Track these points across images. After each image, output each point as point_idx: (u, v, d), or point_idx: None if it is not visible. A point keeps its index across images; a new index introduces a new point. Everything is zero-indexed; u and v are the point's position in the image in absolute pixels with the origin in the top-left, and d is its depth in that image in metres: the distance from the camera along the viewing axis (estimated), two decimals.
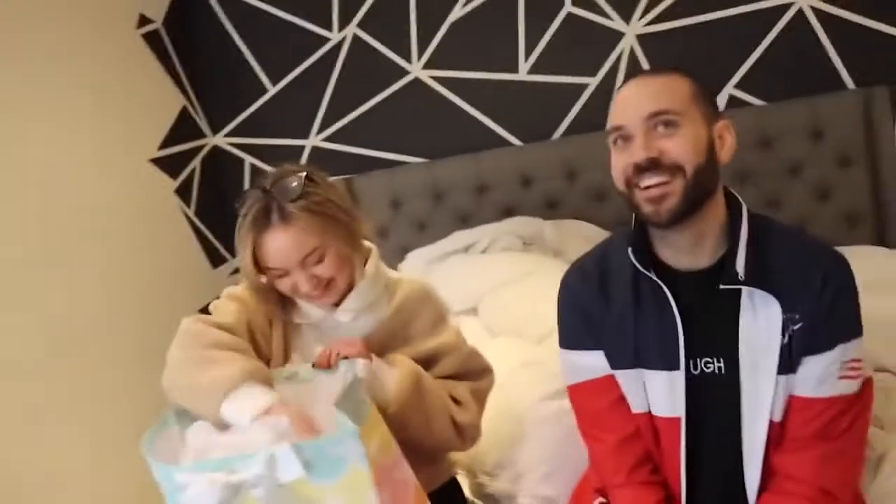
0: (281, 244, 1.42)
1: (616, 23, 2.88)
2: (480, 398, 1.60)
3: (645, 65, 2.87)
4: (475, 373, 1.62)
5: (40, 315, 2.64)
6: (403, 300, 1.59)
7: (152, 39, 3.34)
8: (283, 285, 1.48)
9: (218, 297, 1.61)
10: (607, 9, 2.88)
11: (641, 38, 2.86)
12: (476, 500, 1.75)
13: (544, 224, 2.88)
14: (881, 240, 2.61)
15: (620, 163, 1.27)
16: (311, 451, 1.14)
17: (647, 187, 1.24)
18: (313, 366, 1.43)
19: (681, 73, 1.28)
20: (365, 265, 1.58)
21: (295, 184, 1.44)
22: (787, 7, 2.68)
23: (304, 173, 1.47)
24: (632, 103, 1.26)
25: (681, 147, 1.22)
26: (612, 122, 1.29)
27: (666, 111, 1.22)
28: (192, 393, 1.35)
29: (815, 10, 2.64)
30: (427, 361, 1.56)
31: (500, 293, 2.45)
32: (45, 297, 2.66)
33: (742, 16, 2.74)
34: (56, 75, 2.82)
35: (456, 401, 1.54)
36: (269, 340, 1.57)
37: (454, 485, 1.72)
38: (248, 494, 1.15)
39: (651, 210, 1.25)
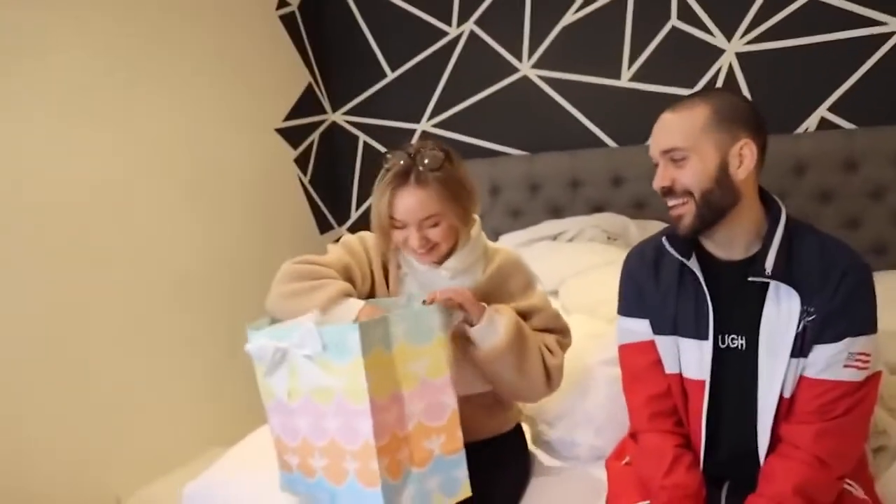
0: (410, 201, 1.65)
1: (717, 39, 3.03)
2: (563, 350, 1.82)
3: (741, 80, 3.01)
4: (559, 331, 1.83)
5: (165, 266, 2.96)
6: (499, 265, 1.81)
7: (288, 21, 3.65)
8: (398, 236, 1.71)
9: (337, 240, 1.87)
10: (710, 25, 3.03)
11: (741, 56, 3.00)
12: (535, 447, 1.97)
13: (630, 222, 3.05)
14: None
15: (654, 183, 1.52)
16: (328, 335, 1.46)
17: (671, 207, 1.49)
18: (423, 302, 1.64)
19: (705, 100, 1.46)
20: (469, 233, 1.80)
21: (437, 156, 1.67)
22: (889, 36, 2.79)
23: (446, 151, 1.70)
24: (655, 138, 1.50)
25: (688, 177, 1.44)
26: (650, 149, 1.53)
27: (674, 149, 1.45)
28: (298, 310, 1.62)
29: None
30: (522, 316, 1.77)
31: (581, 277, 2.64)
32: (170, 246, 2.98)
33: (842, 41, 2.85)
34: (201, 46, 3.13)
35: (547, 348, 1.76)
36: (368, 284, 1.80)
37: (519, 430, 1.94)
38: (292, 360, 1.52)
39: (675, 225, 1.51)
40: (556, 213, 3.34)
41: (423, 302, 1.61)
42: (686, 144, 1.43)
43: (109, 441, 2.68)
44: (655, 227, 3.03)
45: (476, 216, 1.82)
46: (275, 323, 1.67)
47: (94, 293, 2.65)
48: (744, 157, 1.44)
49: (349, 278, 1.74)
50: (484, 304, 1.69)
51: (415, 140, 3.73)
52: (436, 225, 1.68)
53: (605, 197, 3.25)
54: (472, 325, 1.66)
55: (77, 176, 2.59)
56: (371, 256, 1.81)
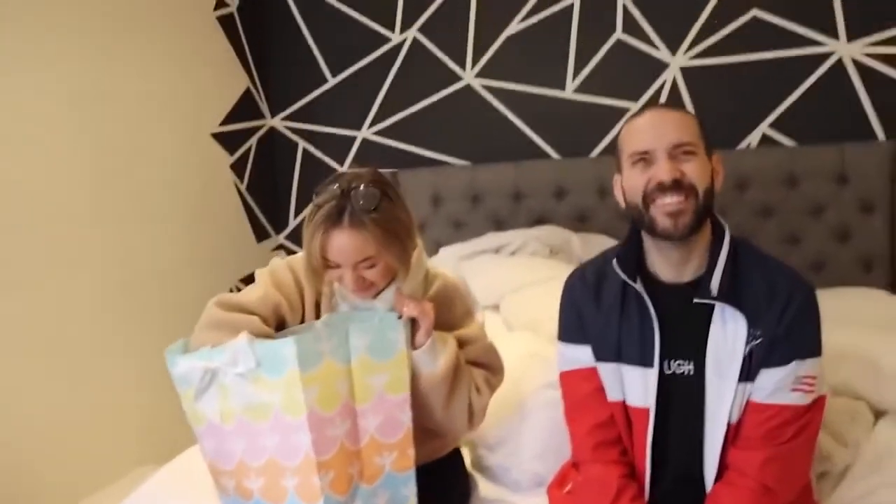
0: (344, 244, 1.52)
1: (662, 53, 3.02)
2: (491, 390, 1.74)
3: (685, 94, 3.01)
4: (491, 366, 1.75)
5: (95, 273, 2.83)
6: (439, 292, 1.71)
7: (226, 22, 3.54)
8: (331, 274, 1.60)
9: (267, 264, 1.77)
10: (655, 39, 3.02)
11: (685, 70, 3.00)
12: (474, 472, 1.91)
13: (573, 235, 3.01)
14: (894, 286, 2.73)
15: (641, 181, 1.44)
16: (261, 350, 1.43)
17: (669, 203, 1.41)
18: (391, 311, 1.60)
19: (685, 111, 1.50)
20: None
21: (372, 195, 1.53)
22: (828, 56, 2.81)
23: (382, 189, 1.56)
24: (657, 131, 1.43)
25: (696, 172, 1.41)
26: (635, 146, 1.45)
27: (687, 143, 1.41)
28: None
29: (855, 62, 2.77)
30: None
31: (523, 293, 2.59)
32: (99, 253, 2.86)
33: (784, 59, 2.86)
34: (135, 45, 3.01)
35: (476, 387, 1.68)
36: (299, 314, 1.70)
37: (457, 454, 1.87)
38: (222, 381, 1.47)
39: (669, 223, 1.41)
40: (499, 224, 3.30)
41: (392, 312, 1.57)
42: (695, 141, 1.42)
43: (31, 460, 2.55)
44: (598, 240, 3.02)
45: (418, 241, 1.72)
46: (186, 347, 1.60)
47: (22, 308, 2.52)
48: (717, 171, 1.46)
49: (279, 317, 1.65)
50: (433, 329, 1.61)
51: (355, 147, 3.65)
52: (372, 266, 1.56)
53: (548, 209, 3.21)
54: (414, 348, 1.58)
55: (7, 181, 2.47)
56: (302, 285, 1.71)
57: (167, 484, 1.98)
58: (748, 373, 1.41)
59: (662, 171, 1.40)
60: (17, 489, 2.48)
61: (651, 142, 1.42)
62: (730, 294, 1.41)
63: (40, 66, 2.59)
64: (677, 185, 1.39)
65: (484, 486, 1.87)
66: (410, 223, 1.64)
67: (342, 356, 1.47)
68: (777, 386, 1.40)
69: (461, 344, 1.69)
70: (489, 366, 1.75)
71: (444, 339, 1.63)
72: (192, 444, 2.12)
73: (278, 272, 1.71)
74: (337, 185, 1.55)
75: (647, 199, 1.43)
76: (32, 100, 2.57)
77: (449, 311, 1.71)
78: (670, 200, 1.40)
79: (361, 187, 1.53)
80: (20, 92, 2.52)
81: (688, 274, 1.47)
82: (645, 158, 1.43)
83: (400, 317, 1.54)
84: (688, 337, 1.45)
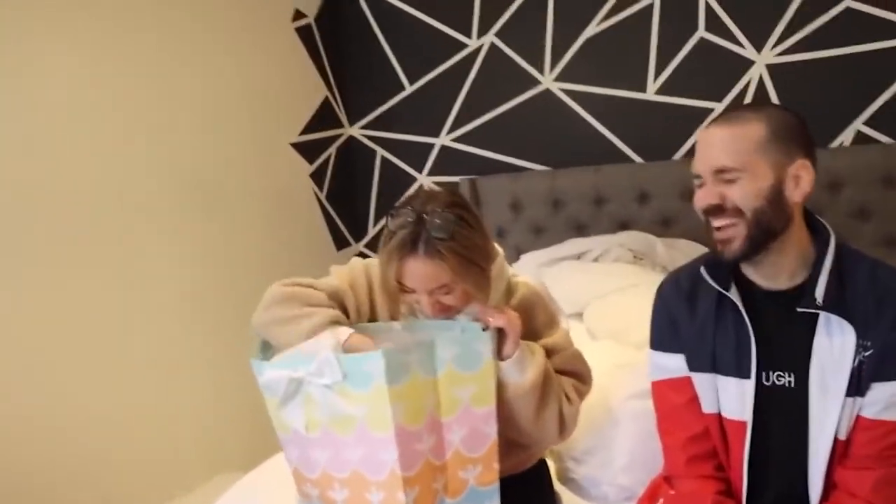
0: (419, 272, 1.48)
1: (747, 51, 2.92)
2: (581, 397, 1.69)
3: (772, 93, 2.90)
4: (579, 374, 1.71)
5: (178, 282, 2.90)
6: (521, 301, 1.67)
7: (304, 33, 3.58)
8: (409, 298, 1.57)
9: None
10: (740, 36, 2.92)
11: (771, 68, 2.89)
12: (559, 485, 1.87)
13: (656, 241, 2.93)
14: None
15: (696, 200, 1.41)
16: (348, 363, 1.40)
17: (718, 228, 1.37)
18: (475, 321, 1.55)
19: (759, 116, 1.36)
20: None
21: (448, 221, 1.47)
22: None
23: (458, 214, 1.50)
24: (704, 153, 1.38)
25: (740, 195, 1.33)
26: (693, 165, 1.42)
27: (728, 169, 1.34)
28: (282, 337, 1.57)
29: None
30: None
31: (607, 301, 2.53)
32: (183, 262, 2.92)
33: (879, 52, 2.73)
34: (215, 58, 3.08)
35: (566, 395, 1.64)
36: (367, 314, 1.69)
37: (542, 466, 1.83)
38: (307, 390, 1.45)
39: (720, 250, 1.39)
40: (580, 230, 3.24)
41: (476, 322, 1.53)
42: (739, 164, 1.32)
43: (113, 465, 2.62)
44: (683, 245, 2.94)
45: (499, 250, 1.69)
46: (266, 346, 1.61)
47: (104, 309, 2.59)
48: (800, 178, 1.35)
49: (340, 304, 1.63)
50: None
51: (433, 155, 3.65)
52: (449, 293, 1.51)
53: (631, 214, 3.14)
54: (501, 359, 1.54)
55: (91, 189, 2.54)
56: (375, 293, 1.69)
57: (251, 490, 2.00)
58: (857, 387, 1.32)
59: (700, 197, 1.38)
60: (99, 494, 2.54)
61: (697, 164, 1.40)
62: (836, 302, 1.33)
63: (122, 74, 2.67)
64: (720, 210, 1.35)
65: (570, 500, 1.83)
66: (488, 247, 1.58)
67: (429, 368, 1.44)
68: (890, 401, 1.31)
69: (548, 353, 1.65)
70: (577, 374, 1.70)
71: (532, 349, 1.59)
72: (276, 450, 2.14)
73: (355, 272, 1.70)
74: (411, 208, 1.50)
75: (705, 218, 1.40)
76: (113, 108, 2.64)
77: (533, 320, 1.68)
78: (717, 224, 1.37)
79: (437, 212, 1.48)
80: (106, 100, 2.60)
81: (783, 281, 1.41)
82: (698, 179, 1.40)
83: (486, 328, 1.50)
84: (789, 347, 1.38)
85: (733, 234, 1.35)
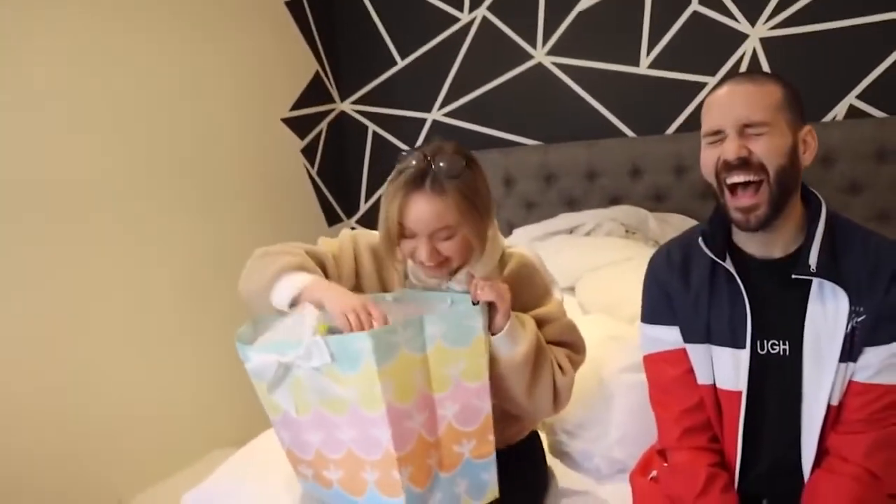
0: (423, 209, 1.49)
1: (741, 24, 2.91)
2: (575, 368, 1.68)
3: (765, 66, 2.89)
4: (573, 345, 1.69)
5: (168, 260, 2.88)
6: (514, 271, 1.66)
7: (295, 7, 3.54)
8: (406, 246, 1.56)
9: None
10: (733, 9, 2.91)
11: (765, 42, 2.88)
12: (552, 457, 1.87)
13: (649, 215, 2.94)
14: None
15: (712, 158, 1.38)
16: (335, 345, 1.37)
17: (735, 189, 1.35)
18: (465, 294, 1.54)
19: (774, 80, 1.37)
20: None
21: (457, 161, 1.51)
22: None
23: (466, 159, 1.54)
24: (727, 108, 1.36)
25: (766, 150, 1.32)
26: (708, 124, 1.39)
27: (756, 122, 1.33)
28: (253, 288, 1.59)
29: None
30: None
31: (599, 274, 2.53)
32: (173, 239, 2.90)
33: (872, 25, 2.72)
34: (205, 33, 3.04)
35: (559, 366, 1.62)
36: (351, 282, 1.68)
37: (534, 439, 1.82)
38: (296, 374, 1.43)
39: (741, 218, 1.36)
40: (572, 205, 3.24)
41: (466, 293, 1.52)
42: (766, 118, 1.32)
43: (111, 441, 2.61)
44: (675, 220, 2.95)
45: (494, 220, 1.69)
46: (257, 324, 1.59)
47: (95, 289, 2.57)
48: (808, 143, 1.37)
49: (319, 265, 1.63)
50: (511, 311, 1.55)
51: (425, 130, 3.63)
52: (449, 238, 1.52)
53: (623, 189, 3.14)
54: (492, 333, 1.53)
55: (77, 168, 2.51)
56: (362, 259, 1.69)
57: (244, 466, 2.00)
58: (850, 352, 1.33)
59: (728, 149, 1.34)
60: (96, 470, 2.55)
61: (720, 119, 1.37)
62: (829, 269, 1.33)
63: (110, 52, 2.63)
64: (744, 164, 1.33)
65: (563, 472, 1.83)
66: (490, 199, 1.60)
67: (418, 346, 1.42)
68: (882, 365, 1.31)
69: (540, 323, 1.64)
70: (570, 344, 1.69)
71: (523, 321, 1.58)
72: (268, 426, 2.15)
73: (342, 242, 1.71)
74: (420, 151, 1.53)
75: (718, 177, 1.38)
76: (103, 86, 2.60)
77: (526, 291, 1.66)
78: (736, 179, 1.34)
79: (445, 155, 1.51)
80: (90, 79, 2.56)
81: (778, 250, 1.40)
82: (717, 136, 1.38)
83: (476, 302, 1.49)
84: (782, 315, 1.38)
85: (758, 200, 1.34)
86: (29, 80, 2.37)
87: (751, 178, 1.33)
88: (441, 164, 1.49)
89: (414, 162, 1.51)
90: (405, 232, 1.53)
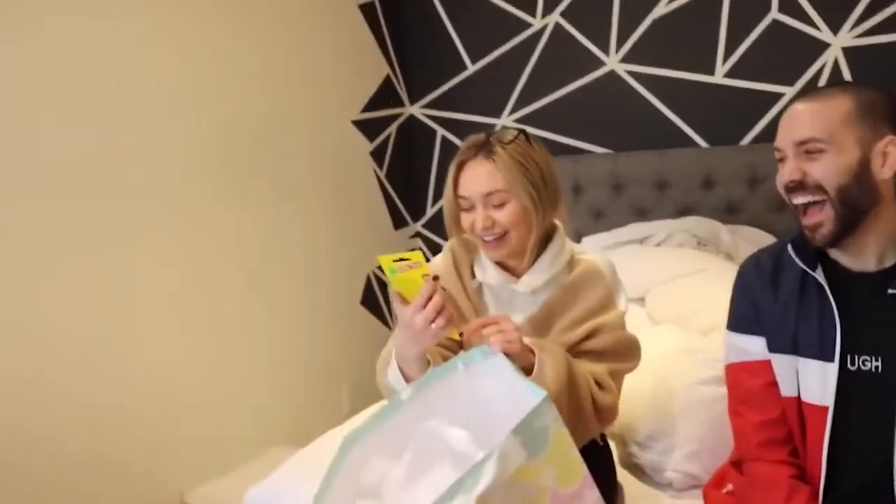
0: (474, 173, 1.56)
1: (823, 33, 2.83)
2: (618, 378, 1.63)
3: (847, 77, 2.81)
4: (622, 354, 1.64)
5: (237, 258, 2.92)
6: (575, 278, 1.64)
7: (368, 11, 3.58)
8: (465, 220, 1.60)
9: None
10: (815, 18, 2.84)
11: (847, 51, 2.81)
12: (623, 469, 1.83)
13: (721, 227, 2.88)
14: None
15: (778, 178, 1.38)
16: (524, 430, 1.16)
17: (804, 212, 1.34)
18: (460, 334, 1.46)
19: (845, 92, 1.32)
20: (549, 242, 1.66)
21: (511, 132, 1.59)
22: None
23: (525, 134, 1.61)
24: (787, 129, 1.35)
25: (825, 171, 1.29)
26: (775, 142, 1.38)
27: (811, 139, 1.30)
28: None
29: None
30: (585, 336, 1.61)
31: (671, 285, 2.49)
32: (241, 236, 2.94)
33: None
34: (280, 34, 3.08)
35: (598, 383, 1.58)
36: (456, 306, 1.67)
37: (599, 448, 1.72)
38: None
39: (809, 235, 1.35)
40: (641, 214, 3.19)
41: (460, 335, 1.45)
42: (824, 135, 1.29)
43: (175, 434, 2.66)
44: (748, 232, 2.89)
45: (558, 223, 1.68)
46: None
47: (166, 286, 2.62)
48: (888, 154, 1.30)
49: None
50: (529, 344, 1.48)
51: None
52: (502, 204, 1.55)
53: (694, 200, 3.08)
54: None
55: (153, 169, 2.57)
56: (460, 264, 1.72)
57: (307, 465, 2.00)
58: None
59: (784, 172, 1.35)
60: (155, 463, 2.59)
61: (780, 139, 1.37)
62: None
63: (182, 53, 2.67)
64: (801, 186, 1.32)
65: (633, 484, 1.81)
66: (553, 176, 1.62)
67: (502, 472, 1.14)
68: None
69: (593, 333, 1.61)
70: (621, 355, 1.63)
71: (545, 358, 1.49)
72: (328, 427, 2.16)
73: (442, 257, 1.76)
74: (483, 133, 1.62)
75: (786, 196, 1.37)
76: (178, 87, 2.65)
77: (585, 297, 1.63)
78: (798, 201, 1.34)
79: (504, 130, 1.61)
80: (169, 79, 2.62)
81: (871, 262, 1.36)
82: (780, 154, 1.37)
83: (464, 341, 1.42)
84: (876, 331, 1.33)
85: (821, 218, 1.31)
86: (136, 76, 2.42)
87: (810, 199, 1.31)
88: (496, 136, 1.58)
89: (473, 138, 1.61)
90: (462, 203, 1.59)
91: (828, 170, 1.29)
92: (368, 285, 3.64)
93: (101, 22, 2.38)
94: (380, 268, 1.43)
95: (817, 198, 1.31)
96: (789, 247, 1.42)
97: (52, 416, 2.29)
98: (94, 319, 2.41)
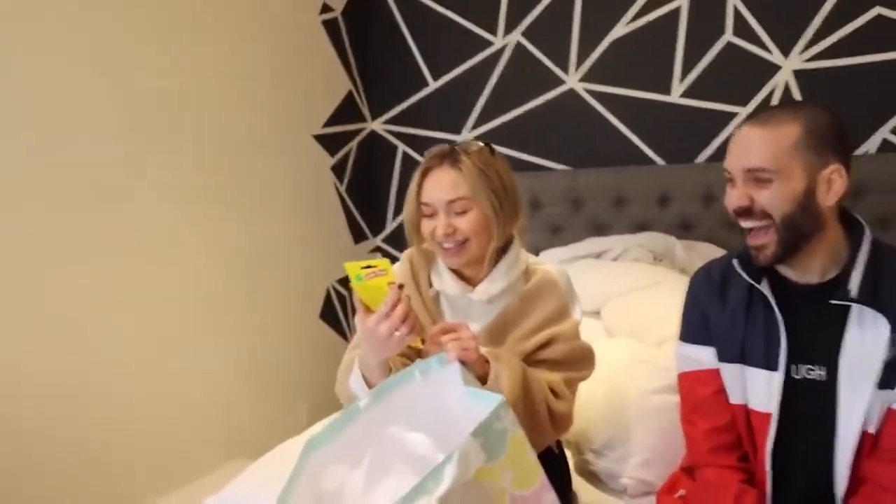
0: (439, 180, 1.60)
1: (774, 56, 2.91)
2: (572, 386, 1.66)
3: (798, 98, 2.88)
4: (577, 362, 1.67)
5: (194, 270, 2.89)
6: (531, 287, 1.68)
7: (330, 27, 3.59)
8: (426, 227, 1.64)
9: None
10: (767, 41, 2.92)
11: (798, 74, 2.89)
12: (578, 476, 1.86)
13: (676, 242, 2.93)
14: None
15: (727, 200, 1.42)
16: (484, 433, 1.17)
17: (749, 233, 1.39)
18: (423, 341, 1.48)
19: (795, 117, 1.34)
20: (505, 253, 1.70)
21: (476, 143, 1.64)
22: None
23: (489, 147, 1.66)
24: (735, 154, 1.39)
25: (769, 199, 1.34)
26: (725, 162, 1.42)
27: (760, 169, 1.34)
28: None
29: None
30: (541, 345, 1.64)
31: (627, 299, 2.53)
32: (198, 248, 2.92)
33: None
34: (241, 48, 3.08)
35: (553, 392, 1.61)
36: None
37: (557, 458, 1.75)
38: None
39: (753, 255, 1.41)
40: (599, 230, 3.24)
41: (423, 341, 1.48)
42: (772, 166, 1.33)
43: (131, 446, 2.62)
44: (703, 248, 2.93)
45: (515, 234, 1.72)
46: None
47: (121, 296, 2.59)
48: (833, 182, 1.34)
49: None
50: (485, 354, 1.50)
51: None
52: (464, 212, 1.59)
53: (651, 216, 3.14)
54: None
55: (114, 178, 2.55)
56: (417, 272, 1.75)
57: (266, 473, 2.00)
58: (889, 380, 1.32)
59: (731, 198, 1.40)
60: (109, 478, 2.54)
61: (729, 163, 1.41)
62: (871, 296, 1.33)
63: (143, 64, 2.66)
64: (748, 212, 1.37)
65: (589, 492, 1.83)
66: (513, 187, 1.67)
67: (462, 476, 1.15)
68: None
69: (548, 342, 1.64)
70: (574, 364, 1.67)
71: (500, 369, 1.51)
72: (281, 439, 2.16)
73: (400, 265, 1.78)
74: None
75: (734, 219, 1.42)
76: (134, 97, 2.63)
77: (541, 307, 1.67)
78: (746, 225, 1.39)
79: (468, 142, 1.66)
80: (125, 89, 2.60)
81: (814, 276, 1.41)
82: (728, 176, 1.41)
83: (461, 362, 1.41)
84: (820, 341, 1.38)
85: (765, 240, 1.37)
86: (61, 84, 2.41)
87: (756, 224, 1.37)
88: (461, 146, 1.63)
89: (438, 147, 1.66)
90: (424, 210, 1.63)
91: (774, 198, 1.33)
92: (328, 299, 3.64)
93: (57, 39, 2.37)
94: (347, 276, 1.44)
95: (763, 223, 1.36)
96: (735, 262, 1.46)
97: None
98: (53, 325, 2.38)
